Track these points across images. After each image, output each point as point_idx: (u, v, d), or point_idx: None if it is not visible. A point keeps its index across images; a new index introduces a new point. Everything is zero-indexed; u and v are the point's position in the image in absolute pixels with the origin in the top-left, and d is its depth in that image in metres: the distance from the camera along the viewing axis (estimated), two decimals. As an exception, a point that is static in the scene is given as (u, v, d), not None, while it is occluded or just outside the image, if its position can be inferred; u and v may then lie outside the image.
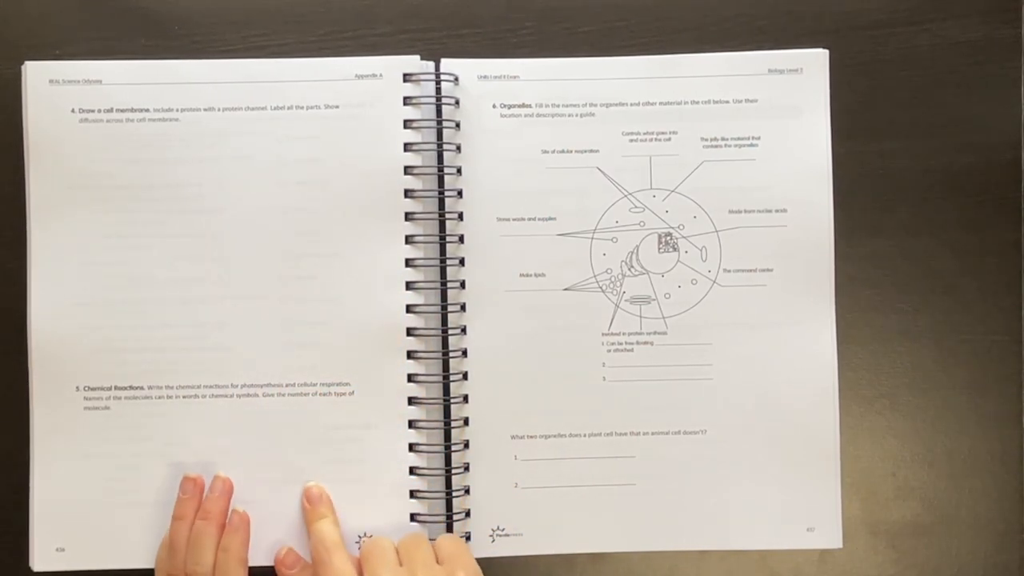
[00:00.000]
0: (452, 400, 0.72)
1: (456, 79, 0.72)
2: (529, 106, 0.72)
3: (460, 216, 0.72)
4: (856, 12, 0.73)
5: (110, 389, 0.72)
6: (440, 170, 0.72)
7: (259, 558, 0.72)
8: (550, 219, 0.72)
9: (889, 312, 0.71)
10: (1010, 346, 0.73)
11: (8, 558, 0.72)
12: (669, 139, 0.72)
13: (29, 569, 0.72)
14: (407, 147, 0.72)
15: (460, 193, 0.72)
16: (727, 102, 0.72)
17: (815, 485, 0.72)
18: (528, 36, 0.73)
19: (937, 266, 0.71)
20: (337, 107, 0.72)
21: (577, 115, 0.72)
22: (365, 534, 0.72)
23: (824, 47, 0.72)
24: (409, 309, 0.72)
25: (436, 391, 0.72)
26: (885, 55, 0.73)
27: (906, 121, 0.73)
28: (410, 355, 0.72)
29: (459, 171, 0.72)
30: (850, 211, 0.72)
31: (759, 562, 0.73)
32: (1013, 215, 0.73)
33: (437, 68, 0.72)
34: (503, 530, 0.72)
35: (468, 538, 0.72)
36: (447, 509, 0.72)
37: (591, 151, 0.72)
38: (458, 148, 0.72)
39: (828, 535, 0.72)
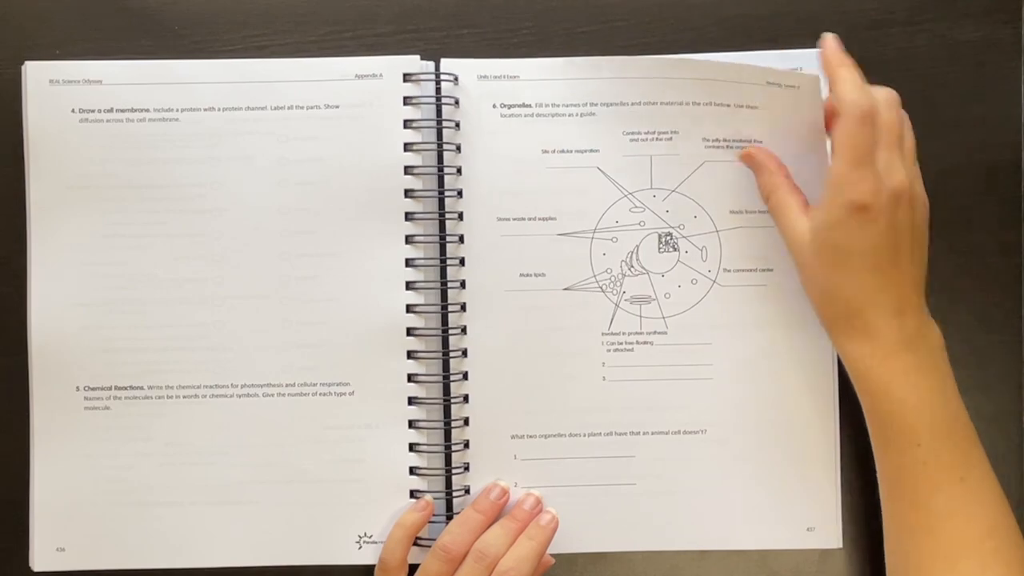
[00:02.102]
0: (452, 400, 0.72)
1: (456, 79, 0.72)
2: (529, 106, 0.72)
3: (460, 216, 0.72)
4: (856, 12, 0.73)
5: (110, 389, 0.72)
6: (440, 170, 0.72)
7: (260, 558, 0.72)
8: (550, 219, 0.72)
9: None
10: (1010, 346, 0.73)
11: (8, 558, 0.72)
12: (670, 139, 0.72)
13: (29, 569, 0.72)
14: (407, 147, 0.72)
15: (460, 193, 0.72)
16: (728, 106, 0.72)
17: (815, 485, 0.72)
18: (528, 36, 0.73)
19: (937, 266, 0.71)
20: (337, 107, 0.72)
21: (577, 115, 0.72)
22: (365, 534, 0.72)
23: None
24: (409, 309, 0.72)
25: (436, 391, 0.72)
26: (885, 55, 0.73)
27: (906, 121, 0.73)
28: (410, 355, 0.72)
29: (459, 171, 0.72)
30: (850, 211, 0.71)
31: (759, 562, 0.73)
32: (1013, 215, 0.73)
33: (437, 68, 0.72)
34: (503, 530, 0.72)
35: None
36: (447, 509, 0.72)
37: (591, 151, 0.72)
38: (458, 148, 0.72)
39: (828, 535, 0.72)
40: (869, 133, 0.63)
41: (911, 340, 0.64)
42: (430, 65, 0.72)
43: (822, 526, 0.72)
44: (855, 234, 0.63)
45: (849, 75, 0.65)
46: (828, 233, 0.64)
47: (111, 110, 0.72)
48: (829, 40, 0.67)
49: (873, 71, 0.72)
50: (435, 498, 0.72)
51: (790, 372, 0.72)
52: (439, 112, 0.72)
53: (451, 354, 0.72)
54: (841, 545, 0.72)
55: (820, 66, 0.67)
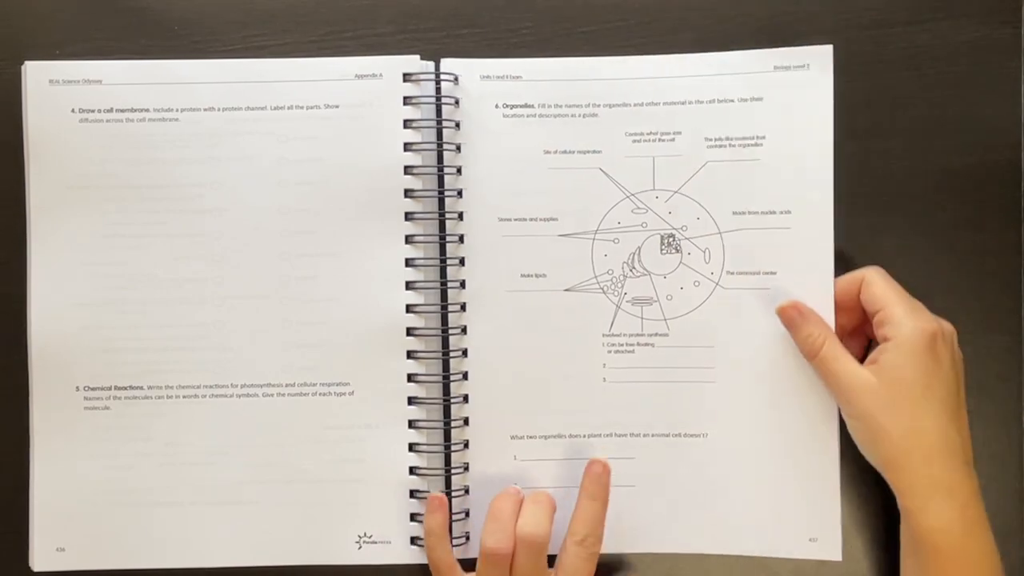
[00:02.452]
0: (452, 400, 0.72)
1: (456, 79, 0.72)
2: (532, 106, 0.72)
3: (460, 216, 0.72)
4: (856, 12, 0.73)
5: (110, 389, 0.72)
6: (440, 170, 0.72)
7: (260, 558, 0.72)
8: (552, 219, 0.72)
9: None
10: (1010, 346, 0.73)
11: (8, 558, 0.72)
12: (673, 139, 0.72)
13: (29, 569, 0.72)
14: (407, 147, 0.72)
15: (460, 193, 0.72)
16: (732, 101, 0.72)
17: (818, 494, 0.72)
18: (528, 36, 0.73)
19: (937, 266, 0.71)
20: (337, 107, 0.72)
21: (580, 115, 0.72)
22: (365, 534, 0.72)
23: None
24: (409, 309, 0.72)
25: (436, 391, 0.72)
26: (885, 55, 0.73)
27: (906, 121, 0.73)
28: (410, 355, 0.72)
29: (459, 171, 0.72)
30: (850, 211, 0.71)
31: (759, 563, 0.73)
32: (1013, 215, 0.73)
33: (437, 68, 0.72)
34: (503, 529, 0.72)
35: (467, 538, 0.72)
36: (447, 509, 0.72)
37: (594, 151, 0.72)
38: (458, 148, 0.72)
39: (829, 547, 0.72)
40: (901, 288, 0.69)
41: (978, 492, 0.65)
42: (430, 65, 0.72)
43: (824, 537, 0.72)
44: (932, 369, 0.65)
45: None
46: (904, 372, 0.65)
47: (111, 110, 0.71)
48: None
49: (873, 71, 0.72)
50: (435, 498, 0.72)
51: (792, 376, 0.72)
52: (439, 112, 0.72)
53: (451, 354, 0.72)
54: (840, 558, 0.72)
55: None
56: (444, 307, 0.72)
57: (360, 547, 0.72)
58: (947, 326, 0.67)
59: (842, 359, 0.68)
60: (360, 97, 0.72)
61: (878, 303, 0.67)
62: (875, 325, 0.68)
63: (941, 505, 0.65)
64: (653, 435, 0.72)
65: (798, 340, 0.70)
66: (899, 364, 0.65)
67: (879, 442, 0.67)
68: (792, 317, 0.70)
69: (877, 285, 0.68)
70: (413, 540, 0.72)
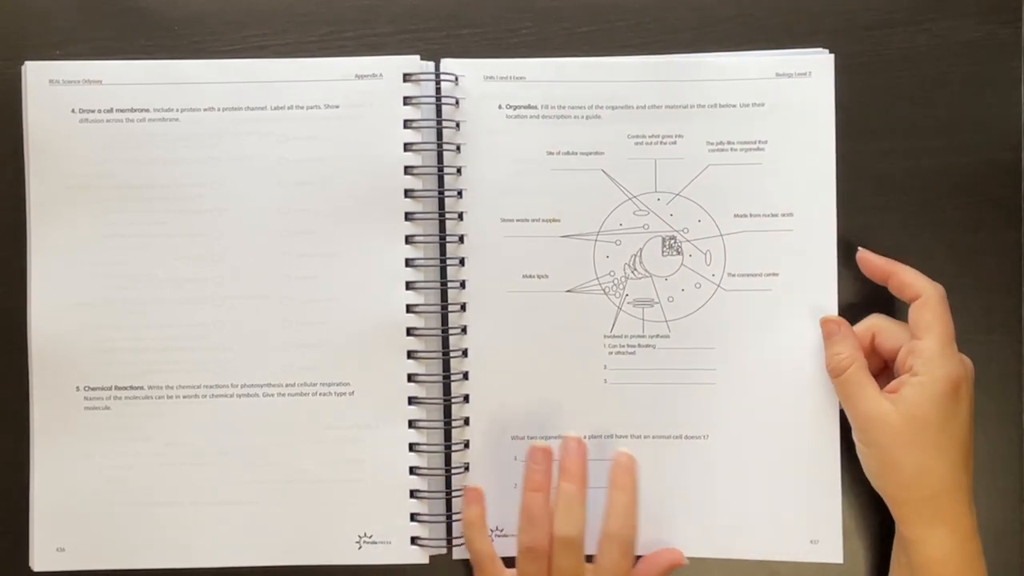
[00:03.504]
0: (452, 400, 0.72)
1: (456, 79, 0.72)
2: (535, 107, 0.72)
3: (460, 216, 0.72)
4: (856, 12, 0.73)
5: (110, 389, 0.72)
6: (440, 170, 0.71)
7: (260, 558, 0.72)
8: (554, 220, 0.72)
9: (889, 314, 0.71)
10: (1010, 346, 0.73)
11: (8, 558, 0.72)
12: (675, 142, 0.72)
13: (29, 569, 0.72)
14: (407, 147, 0.71)
15: (460, 193, 0.72)
16: (734, 105, 0.72)
17: (819, 496, 0.72)
18: (528, 36, 0.73)
19: (937, 266, 0.71)
20: (337, 107, 0.72)
21: (583, 117, 0.72)
22: (365, 534, 0.72)
23: (823, 47, 0.72)
24: (409, 309, 0.72)
25: (436, 391, 0.72)
26: (885, 55, 0.73)
27: (906, 121, 0.73)
28: (410, 355, 0.72)
29: (459, 171, 0.72)
30: (850, 211, 0.71)
31: (760, 565, 0.72)
32: (1013, 215, 0.73)
33: (437, 68, 0.72)
34: (502, 530, 0.72)
35: (468, 538, 0.72)
36: (447, 509, 0.72)
37: (596, 153, 0.72)
38: (458, 148, 0.72)
39: (830, 549, 0.72)
40: (951, 317, 0.67)
41: (976, 527, 0.65)
42: (430, 65, 0.72)
43: (825, 539, 0.72)
44: (951, 412, 0.65)
45: (911, 269, 0.69)
46: (925, 411, 0.65)
47: (111, 110, 0.71)
48: (868, 253, 0.70)
49: (873, 71, 0.72)
50: (435, 498, 0.72)
51: (794, 380, 0.72)
52: (439, 112, 0.72)
53: (451, 354, 0.72)
54: (842, 560, 0.72)
55: (868, 273, 0.71)
56: (444, 307, 0.72)
57: (360, 547, 0.72)
58: (969, 365, 0.67)
59: (864, 386, 0.67)
60: (360, 97, 0.72)
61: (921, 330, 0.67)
62: (904, 351, 0.67)
63: (943, 537, 0.65)
64: (654, 437, 0.72)
65: (827, 356, 0.70)
66: (921, 403, 0.65)
67: (888, 475, 0.67)
68: (832, 331, 0.69)
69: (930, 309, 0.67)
70: (413, 540, 0.72)
